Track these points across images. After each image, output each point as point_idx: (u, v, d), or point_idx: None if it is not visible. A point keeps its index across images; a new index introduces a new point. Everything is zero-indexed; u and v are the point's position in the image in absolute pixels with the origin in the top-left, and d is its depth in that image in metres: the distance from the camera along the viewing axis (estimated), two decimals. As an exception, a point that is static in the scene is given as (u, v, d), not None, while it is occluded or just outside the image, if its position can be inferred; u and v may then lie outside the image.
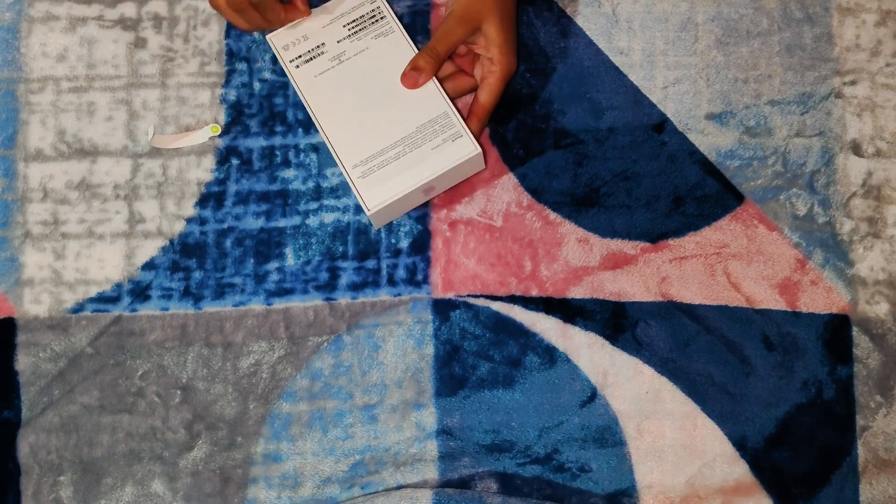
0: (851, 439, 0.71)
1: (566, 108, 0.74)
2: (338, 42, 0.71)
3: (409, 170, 0.68)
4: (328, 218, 0.73)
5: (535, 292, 0.72)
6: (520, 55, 0.74)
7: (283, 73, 0.74)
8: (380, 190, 0.68)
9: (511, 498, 0.68)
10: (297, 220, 0.73)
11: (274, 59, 0.75)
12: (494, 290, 0.72)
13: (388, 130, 0.69)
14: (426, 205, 0.73)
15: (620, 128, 0.74)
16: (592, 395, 0.71)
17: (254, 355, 0.72)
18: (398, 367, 0.72)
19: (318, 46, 0.71)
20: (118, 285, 0.73)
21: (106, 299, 0.73)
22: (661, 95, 0.74)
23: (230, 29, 0.75)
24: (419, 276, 0.72)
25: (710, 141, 0.74)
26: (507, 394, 0.71)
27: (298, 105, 0.74)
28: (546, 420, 0.71)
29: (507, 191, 0.73)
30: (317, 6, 0.72)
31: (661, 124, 0.74)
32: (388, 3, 0.72)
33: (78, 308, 0.72)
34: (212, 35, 0.75)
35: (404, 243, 0.73)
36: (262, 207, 0.73)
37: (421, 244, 0.73)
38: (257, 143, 0.74)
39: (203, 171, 0.74)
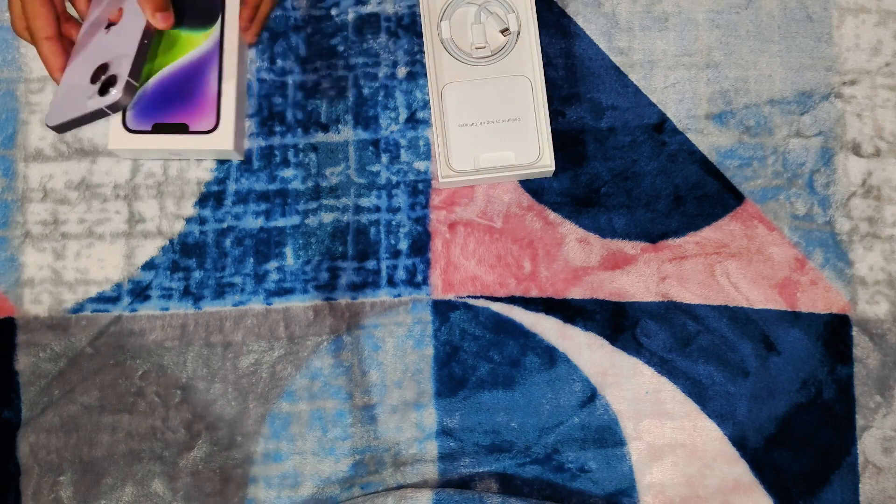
0: (851, 439, 0.71)
1: (566, 109, 0.74)
2: None
3: None
4: (327, 218, 0.73)
5: (534, 293, 0.72)
6: (520, 55, 0.74)
7: (281, 73, 0.74)
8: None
9: (511, 498, 0.68)
10: (296, 219, 0.73)
11: (272, 59, 0.74)
12: (494, 291, 0.72)
13: None
14: (426, 206, 0.73)
15: (620, 128, 0.74)
16: (592, 396, 0.71)
17: (253, 355, 0.72)
18: (398, 368, 0.72)
19: None
20: (118, 285, 0.73)
21: (106, 299, 0.73)
22: (661, 95, 0.74)
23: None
24: (419, 278, 0.72)
25: (710, 141, 0.74)
26: (507, 394, 0.71)
27: (297, 104, 0.74)
28: (546, 420, 0.71)
29: (507, 192, 0.73)
30: None
31: (661, 124, 0.74)
32: None
33: (78, 308, 0.72)
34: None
35: (403, 244, 0.73)
36: (261, 207, 0.73)
37: (420, 246, 0.73)
38: (256, 142, 0.74)
39: (203, 170, 0.74)
